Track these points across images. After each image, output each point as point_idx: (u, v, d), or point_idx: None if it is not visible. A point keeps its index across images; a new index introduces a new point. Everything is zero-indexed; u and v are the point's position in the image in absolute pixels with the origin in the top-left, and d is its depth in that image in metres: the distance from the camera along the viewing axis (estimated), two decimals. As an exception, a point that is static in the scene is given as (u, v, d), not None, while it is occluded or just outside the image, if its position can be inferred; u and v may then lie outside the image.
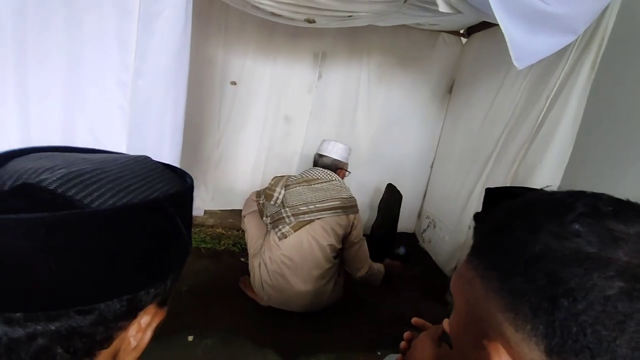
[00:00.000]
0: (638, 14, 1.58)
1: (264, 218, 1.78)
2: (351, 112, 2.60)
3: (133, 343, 0.36)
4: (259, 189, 1.91)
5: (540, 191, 0.35)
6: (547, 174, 1.61)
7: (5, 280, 0.27)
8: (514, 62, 1.32)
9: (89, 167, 0.33)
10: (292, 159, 2.67)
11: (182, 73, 1.13)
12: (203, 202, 2.60)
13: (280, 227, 1.68)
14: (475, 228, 0.39)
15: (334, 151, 1.83)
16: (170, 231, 0.37)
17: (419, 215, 2.93)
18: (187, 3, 1.06)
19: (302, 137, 2.61)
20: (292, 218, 1.66)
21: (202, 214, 2.59)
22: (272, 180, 1.77)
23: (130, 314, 0.35)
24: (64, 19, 1.05)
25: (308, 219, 1.66)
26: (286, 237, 1.66)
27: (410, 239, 2.88)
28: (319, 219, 1.66)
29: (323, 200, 1.66)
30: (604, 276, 0.25)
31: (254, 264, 1.75)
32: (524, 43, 1.26)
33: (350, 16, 1.68)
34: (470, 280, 0.34)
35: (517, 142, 1.80)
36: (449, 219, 2.44)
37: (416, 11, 1.69)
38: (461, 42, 2.54)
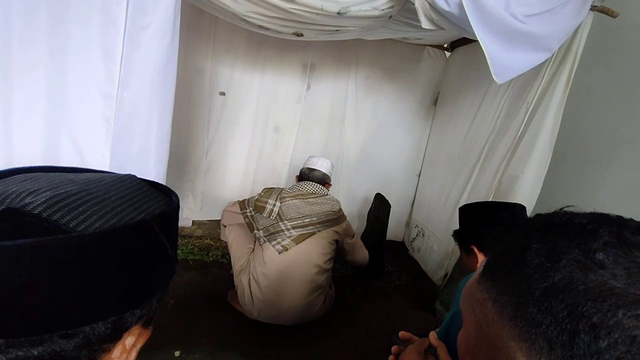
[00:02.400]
0: (607, 32, 1.68)
1: (256, 231, 1.75)
2: (339, 122, 2.64)
3: None
4: (241, 199, 1.89)
5: (560, 212, 0.33)
6: (529, 184, 1.66)
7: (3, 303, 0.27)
8: (494, 78, 1.37)
9: (75, 189, 0.33)
10: (281, 169, 2.68)
11: (169, 85, 1.13)
12: (191, 213, 2.57)
13: (278, 239, 1.66)
14: (490, 246, 0.36)
15: (324, 166, 1.89)
16: (156, 251, 0.37)
17: (408, 224, 2.96)
18: (174, 17, 1.07)
19: (291, 147, 2.63)
20: (292, 231, 1.66)
21: (190, 224, 2.56)
22: (262, 191, 1.77)
23: (115, 336, 0.34)
24: (47, 30, 1.04)
25: (311, 231, 1.67)
26: (287, 249, 1.64)
27: (399, 247, 2.90)
28: (319, 231, 1.69)
29: (320, 214, 1.70)
30: (630, 314, 0.23)
31: (242, 280, 1.71)
32: (503, 59, 1.32)
33: (337, 30, 1.72)
34: (481, 302, 0.32)
35: (500, 153, 1.86)
36: (437, 227, 2.48)
37: (401, 26, 1.75)
38: (445, 55, 2.62)
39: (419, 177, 2.89)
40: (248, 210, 1.78)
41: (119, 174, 0.41)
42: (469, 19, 1.22)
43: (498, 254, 0.33)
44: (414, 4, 1.35)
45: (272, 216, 1.68)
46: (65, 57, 1.08)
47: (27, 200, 0.30)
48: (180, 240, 2.35)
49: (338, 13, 1.48)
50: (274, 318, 1.68)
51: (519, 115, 1.72)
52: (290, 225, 1.66)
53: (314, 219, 1.68)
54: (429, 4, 1.33)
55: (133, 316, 0.35)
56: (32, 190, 0.31)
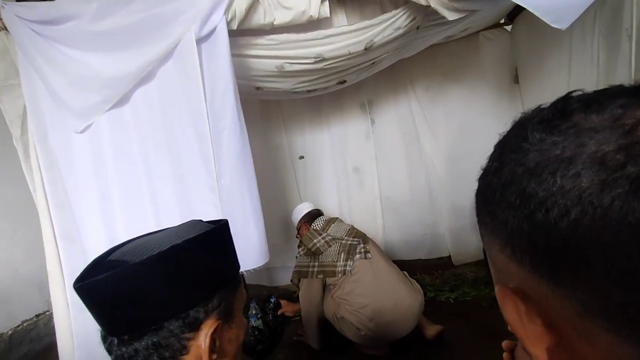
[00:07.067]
0: None
1: (338, 268, 1.82)
2: (415, 142, 2.57)
3: (203, 348, 0.50)
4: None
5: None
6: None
7: (110, 315, 0.48)
8: (555, 25, 1.19)
9: (142, 241, 0.52)
10: (373, 204, 2.69)
11: (248, 165, 1.41)
12: (307, 269, 2.77)
13: (359, 250, 1.85)
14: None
15: (312, 204, 2.35)
16: (193, 265, 0.51)
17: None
18: (239, 116, 1.38)
19: (375, 181, 2.67)
20: (357, 238, 1.94)
21: (309, 280, 2.74)
22: (299, 250, 2.01)
23: (192, 328, 0.49)
24: (167, 148, 1.46)
25: (362, 236, 1.99)
26: (369, 251, 1.85)
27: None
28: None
29: (352, 228, 2.07)
30: (567, 175, 0.23)
31: (342, 327, 1.77)
32: (552, 2, 1.15)
33: (373, 63, 1.83)
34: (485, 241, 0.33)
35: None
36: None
37: (434, 29, 1.73)
38: (506, 31, 2.37)
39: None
40: (316, 266, 1.88)
41: (190, 221, 0.60)
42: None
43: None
44: (430, 6, 1.36)
45: (330, 244, 1.89)
46: (182, 165, 1.47)
47: (113, 255, 0.51)
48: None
49: (365, 49, 1.60)
50: (396, 331, 1.68)
51: (621, 47, 1.38)
52: (351, 238, 1.93)
53: (354, 231, 2.02)
54: (445, -4, 1.32)
55: (197, 312, 0.49)
56: (121, 249, 0.52)
